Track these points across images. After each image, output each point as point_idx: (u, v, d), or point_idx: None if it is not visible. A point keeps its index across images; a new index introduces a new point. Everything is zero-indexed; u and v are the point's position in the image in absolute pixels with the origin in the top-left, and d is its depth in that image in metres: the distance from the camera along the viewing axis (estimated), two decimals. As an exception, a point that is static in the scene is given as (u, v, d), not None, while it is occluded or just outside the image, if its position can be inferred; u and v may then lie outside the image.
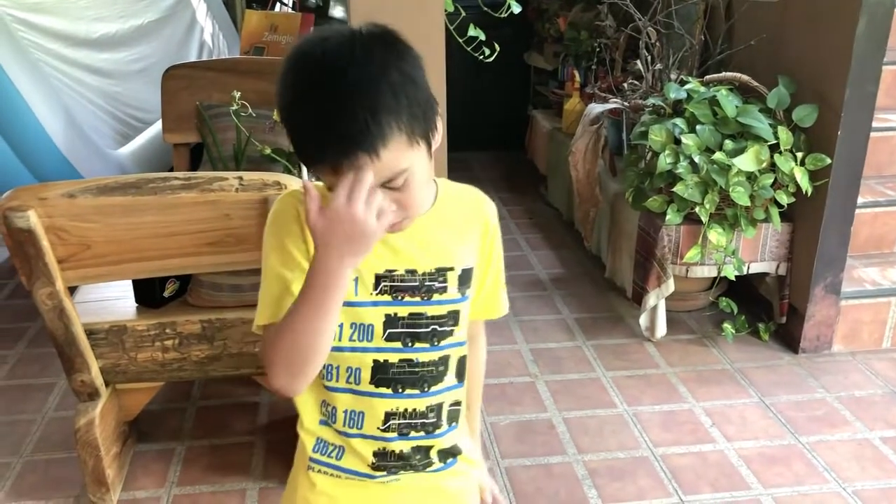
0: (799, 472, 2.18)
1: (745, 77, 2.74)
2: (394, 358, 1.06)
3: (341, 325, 1.03)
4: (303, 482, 1.13)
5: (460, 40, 2.55)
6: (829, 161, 2.55)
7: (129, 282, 2.11)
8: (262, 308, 1.02)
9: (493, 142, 5.08)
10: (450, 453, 1.15)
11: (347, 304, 1.01)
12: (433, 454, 1.13)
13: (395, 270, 1.04)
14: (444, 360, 1.09)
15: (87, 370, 1.97)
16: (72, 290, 2.16)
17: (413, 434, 1.10)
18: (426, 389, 1.09)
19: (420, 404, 1.09)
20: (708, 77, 2.82)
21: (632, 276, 2.94)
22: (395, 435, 1.09)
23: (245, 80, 2.81)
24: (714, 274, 2.76)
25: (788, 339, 2.81)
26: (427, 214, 1.05)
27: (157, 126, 3.87)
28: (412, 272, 1.05)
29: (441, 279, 1.06)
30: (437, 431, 1.11)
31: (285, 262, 1.00)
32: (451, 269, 1.07)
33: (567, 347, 2.83)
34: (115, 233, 1.78)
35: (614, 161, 3.25)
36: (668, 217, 2.61)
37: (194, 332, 2.02)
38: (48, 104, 3.26)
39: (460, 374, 1.12)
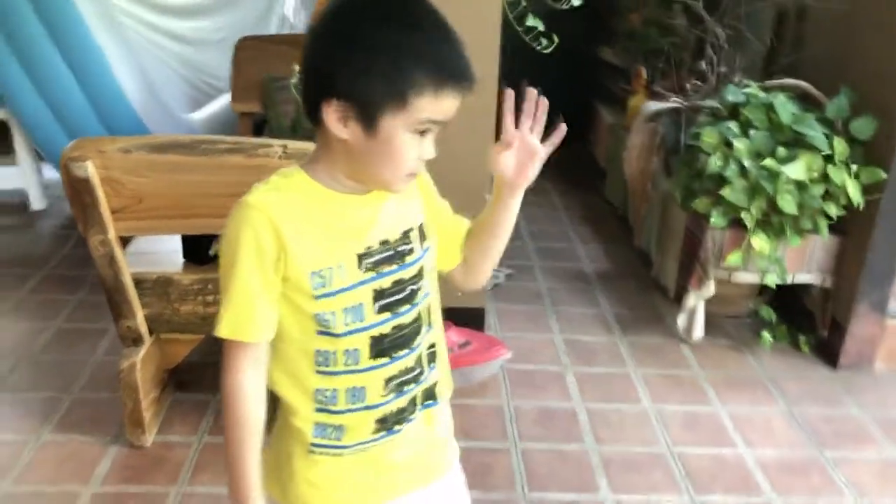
0: (815, 484, 2.16)
1: (805, 84, 2.71)
2: (387, 329, 1.11)
3: (334, 313, 1.07)
4: (302, 466, 1.16)
5: (519, 29, 2.59)
6: (884, 175, 2.50)
7: (180, 238, 2.23)
8: (224, 318, 1.06)
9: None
10: (430, 395, 1.21)
11: (339, 291, 1.07)
12: (418, 399, 1.19)
13: (371, 246, 1.09)
14: (420, 315, 1.15)
15: (132, 317, 2.09)
16: (127, 241, 2.30)
17: (406, 388, 1.16)
18: (412, 346, 1.15)
19: (410, 361, 1.15)
20: (769, 82, 2.79)
21: (675, 277, 2.94)
22: (393, 396, 1.15)
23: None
24: (758, 280, 2.74)
25: (828, 352, 2.77)
26: None
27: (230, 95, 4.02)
28: (385, 242, 1.10)
29: (407, 241, 1.13)
30: (422, 378, 1.18)
31: (260, 281, 1.04)
32: (412, 228, 1.14)
33: (601, 342, 2.85)
34: (166, 188, 1.89)
35: (669, 160, 3.24)
36: (712, 219, 2.60)
37: (235, 290, 2.12)
38: (127, 65, 3.42)
39: (429, 321, 1.18)
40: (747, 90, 2.71)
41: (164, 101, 3.66)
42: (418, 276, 1.14)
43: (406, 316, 1.13)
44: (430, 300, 1.17)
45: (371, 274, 1.09)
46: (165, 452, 2.18)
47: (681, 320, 2.85)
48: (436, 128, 1.03)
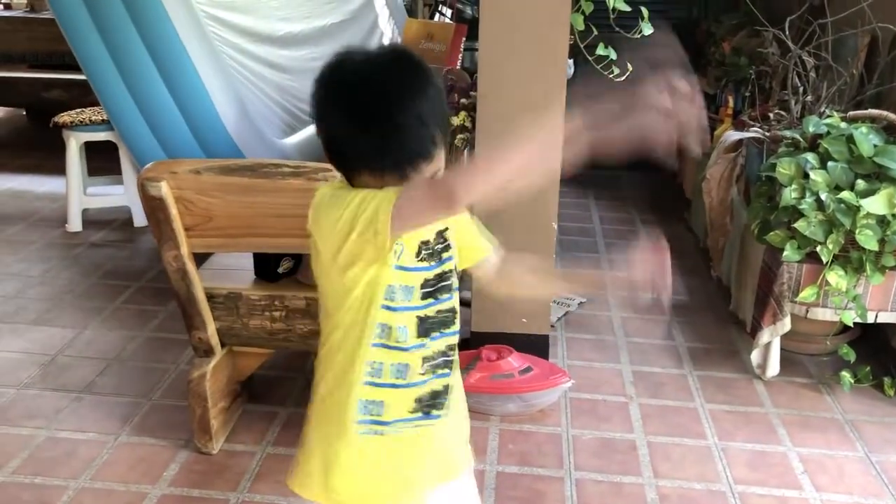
0: (884, 534, 2.06)
1: (892, 115, 2.60)
2: (431, 311, 1.26)
3: (400, 287, 1.22)
4: (349, 441, 1.28)
5: (589, 58, 2.60)
6: (975, 212, 2.37)
7: (252, 256, 2.35)
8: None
9: (650, 162, 5.01)
10: (448, 388, 1.33)
11: (405, 268, 1.22)
12: (450, 387, 1.31)
13: (426, 241, 1.25)
14: (455, 305, 1.30)
15: (204, 328, 2.21)
16: (206, 257, 2.43)
17: (440, 372, 1.30)
18: (445, 331, 1.29)
19: (442, 344, 1.29)
20: (852, 113, 2.70)
21: (752, 311, 2.86)
22: (430, 376, 1.28)
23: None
24: (835, 318, 2.63)
25: (915, 397, 2.63)
26: None
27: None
28: (426, 243, 1.26)
29: (442, 240, 1.28)
30: (450, 366, 1.31)
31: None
32: (446, 228, 1.29)
33: (671, 374, 2.80)
34: (234, 209, 2.00)
35: (749, 191, 3.16)
36: (785, 253, 2.53)
37: (299, 307, 2.21)
38: (224, 92, 3.61)
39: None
40: (828, 121, 2.63)
41: (259, 126, 3.84)
42: (451, 271, 1.29)
43: (447, 302, 1.28)
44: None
45: (424, 263, 1.25)
46: (229, 460, 2.28)
47: (754, 356, 2.77)
48: None
